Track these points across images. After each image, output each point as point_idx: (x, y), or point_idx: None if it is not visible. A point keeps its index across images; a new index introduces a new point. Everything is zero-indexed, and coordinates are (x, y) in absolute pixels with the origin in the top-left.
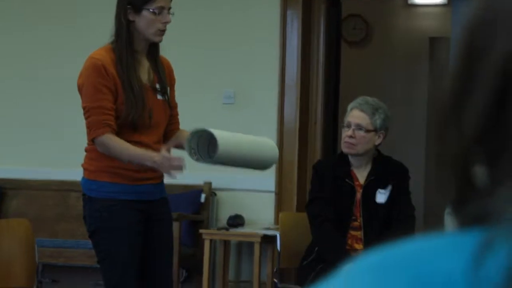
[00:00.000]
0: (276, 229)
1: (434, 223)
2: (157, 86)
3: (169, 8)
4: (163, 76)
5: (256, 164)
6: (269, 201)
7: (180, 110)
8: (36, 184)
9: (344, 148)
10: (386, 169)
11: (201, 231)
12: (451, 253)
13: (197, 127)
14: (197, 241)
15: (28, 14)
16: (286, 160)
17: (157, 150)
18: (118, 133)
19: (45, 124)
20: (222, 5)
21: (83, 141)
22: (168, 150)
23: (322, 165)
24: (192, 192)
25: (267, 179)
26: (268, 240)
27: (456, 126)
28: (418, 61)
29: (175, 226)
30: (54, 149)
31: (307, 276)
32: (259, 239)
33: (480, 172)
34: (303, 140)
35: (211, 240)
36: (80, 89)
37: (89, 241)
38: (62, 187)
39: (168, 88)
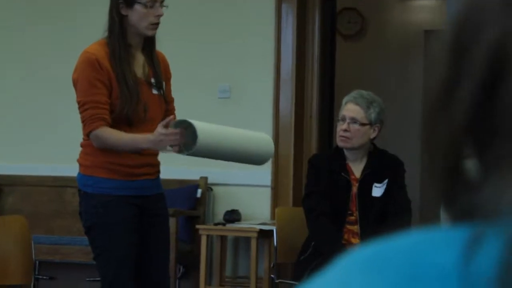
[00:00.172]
0: (273, 223)
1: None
2: (152, 80)
3: (162, 1)
4: (159, 71)
5: (248, 158)
6: (265, 195)
7: (175, 104)
8: (32, 180)
9: (339, 142)
10: (381, 162)
11: (197, 226)
12: (445, 247)
13: (181, 118)
14: (194, 237)
15: (27, 12)
16: (282, 154)
17: None
18: (114, 128)
19: (40, 120)
20: None
21: (79, 136)
22: (166, 126)
23: (317, 159)
24: (188, 187)
25: (263, 173)
26: (265, 235)
27: (444, 119)
28: (413, 54)
29: (172, 222)
30: (49, 144)
31: (304, 271)
32: (255, 234)
33: (470, 165)
34: (298, 134)
35: (207, 236)
36: (74, 84)
37: (85, 238)
38: (57, 183)
39: (164, 83)
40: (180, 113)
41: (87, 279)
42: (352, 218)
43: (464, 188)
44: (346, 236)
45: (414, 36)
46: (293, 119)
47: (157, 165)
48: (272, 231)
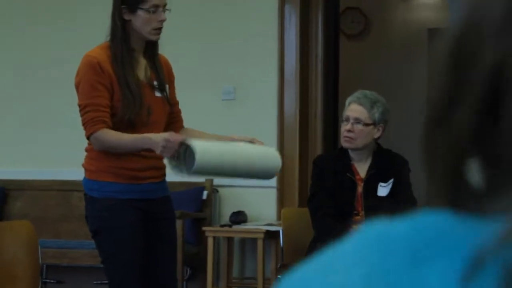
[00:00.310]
0: (279, 224)
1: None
2: (155, 83)
3: (165, 5)
4: (161, 73)
5: (253, 174)
6: (271, 196)
7: (179, 107)
8: (39, 185)
9: (344, 143)
10: (386, 162)
11: (204, 228)
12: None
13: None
14: (201, 239)
15: (27, 12)
16: (287, 155)
17: None
18: (117, 131)
19: (46, 124)
20: (220, 0)
21: (85, 141)
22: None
23: (322, 160)
24: (194, 190)
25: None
26: (271, 236)
27: (444, 135)
28: (417, 52)
29: (178, 224)
30: (56, 149)
31: None
32: (262, 235)
33: (473, 172)
34: (303, 135)
35: (214, 237)
36: (76, 87)
37: (93, 241)
38: (64, 187)
39: (167, 86)
40: (185, 115)
41: (95, 282)
42: (358, 218)
43: (468, 194)
44: None
45: (417, 34)
46: (297, 120)
47: (162, 168)
48: (278, 232)
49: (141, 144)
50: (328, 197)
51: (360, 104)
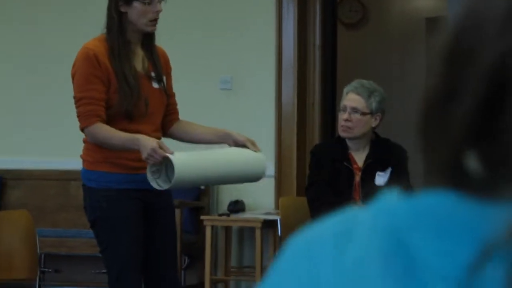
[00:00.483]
0: (277, 213)
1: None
2: (152, 74)
3: None
4: (158, 64)
5: (237, 180)
6: (269, 185)
7: (177, 96)
8: (37, 174)
9: (341, 132)
10: (384, 151)
11: (202, 217)
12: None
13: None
14: (199, 228)
15: (27, 4)
16: (285, 144)
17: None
18: (115, 123)
19: (45, 114)
20: None
21: None
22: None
23: (320, 149)
24: None
25: (266, 163)
26: (269, 225)
27: (441, 131)
28: (415, 41)
29: (176, 213)
30: (54, 138)
31: None
32: (260, 224)
33: (472, 162)
34: (301, 124)
35: (212, 226)
36: (72, 79)
37: (91, 231)
38: (62, 177)
39: (164, 77)
40: (182, 105)
41: (93, 271)
42: (356, 207)
43: (467, 179)
44: None
45: (415, 23)
46: (295, 109)
47: None
48: (276, 221)
49: (129, 145)
50: (326, 186)
51: (358, 93)
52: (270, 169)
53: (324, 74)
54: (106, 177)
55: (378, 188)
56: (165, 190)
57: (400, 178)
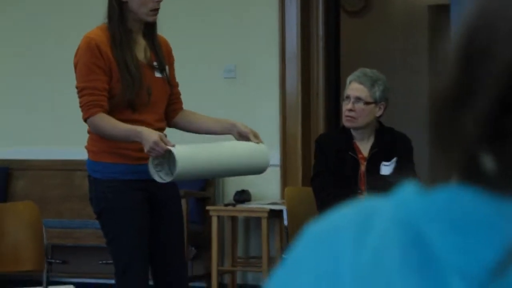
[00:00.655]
0: (283, 203)
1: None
2: (155, 63)
3: None
4: (160, 54)
5: (239, 173)
6: (275, 175)
7: (181, 85)
8: (41, 164)
9: (345, 122)
10: (389, 140)
11: (208, 207)
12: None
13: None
14: (205, 218)
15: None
16: (290, 133)
17: (159, 128)
18: (118, 113)
19: (49, 104)
20: None
21: None
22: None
23: (324, 139)
24: None
25: (272, 153)
26: (275, 214)
27: (455, 128)
28: (418, 29)
29: (182, 203)
30: (58, 128)
31: None
32: (266, 214)
33: (487, 160)
34: (305, 113)
35: (218, 217)
36: (74, 68)
37: (97, 221)
38: (67, 167)
39: (167, 66)
40: (187, 93)
41: (100, 262)
42: (362, 197)
43: (482, 175)
44: None
45: (418, 11)
46: (299, 98)
47: None
48: (282, 211)
49: (132, 137)
50: (331, 176)
51: (361, 82)
52: (275, 158)
53: (327, 62)
54: (111, 168)
55: (384, 178)
56: (172, 182)
57: (405, 168)
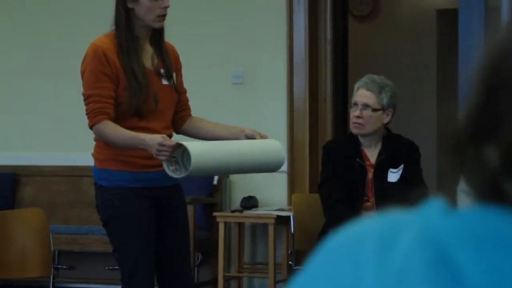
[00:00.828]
0: (290, 209)
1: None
2: (162, 71)
3: None
4: (168, 61)
5: (254, 169)
6: (282, 181)
7: (188, 91)
8: (49, 170)
9: (353, 129)
10: (396, 147)
11: (215, 214)
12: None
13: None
14: (212, 224)
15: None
16: (297, 139)
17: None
18: (126, 121)
19: (56, 109)
20: None
21: None
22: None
23: (332, 145)
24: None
25: (284, 153)
26: (282, 221)
27: (479, 160)
28: (426, 34)
29: (189, 209)
30: (65, 134)
31: None
32: (273, 221)
33: (492, 153)
34: (313, 119)
35: (225, 223)
36: (82, 76)
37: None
38: (74, 173)
39: (174, 74)
40: (194, 100)
41: (107, 267)
42: (369, 204)
43: (506, 200)
44: None
45: (426, 16)
46: (307, 103)
47: None
48: (289, 217)
49: (135, 145)
50: (338, 183)
51: (368, 89)
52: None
53: (335, 67)
54: (117, 175)
55: (391, 185)
56: (177, 188)
57: (412, 175)
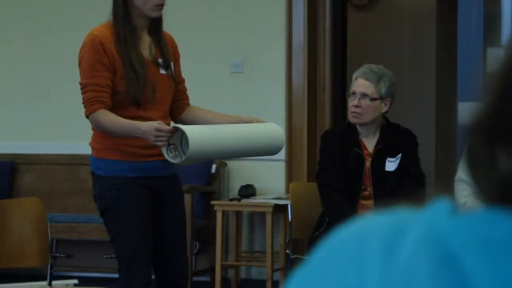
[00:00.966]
0: (287, 198)
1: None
2: (160, 60)
3: None
4: (166, 51)
5: (254, 152)
6: (280, 170)
7: (187, 81)
8: (47, 159)
9: (351, 118)
10: (394, 137)
11: (213, 202)
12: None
13: (175, 125)
14: (209, 213)
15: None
16: (296, 128)
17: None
18: (123, 110)
19: (55, 98)
20: None
21: None
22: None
23: (330, 134)
24: (203, 163)
25: (284, 136)
26: (280, 209)
27: (490, 165)
28: (426, 23)
29: (187, 198)
30: (64, 123)
31: None
32: (270, 209)
33: (504, 156)
34: (312, 107)
35: (223, 211)
36: (79, 65)
37: None
38: (72, 161)
39: (172, 63)
40: (193, 89)
41: (105, 256)
42: (366, 193)
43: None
44: (360, 211)
45: (426, 4)
46: (306, 92)
47: None
48: (287, 205)
49: (131, 133)
50: (336, 172)
51: (367, 79)
52: (281, 153)
53: (334, 56)
54: (115, 165)
55: (389, 174)
56: (174, 177)
57: (410, 164)
